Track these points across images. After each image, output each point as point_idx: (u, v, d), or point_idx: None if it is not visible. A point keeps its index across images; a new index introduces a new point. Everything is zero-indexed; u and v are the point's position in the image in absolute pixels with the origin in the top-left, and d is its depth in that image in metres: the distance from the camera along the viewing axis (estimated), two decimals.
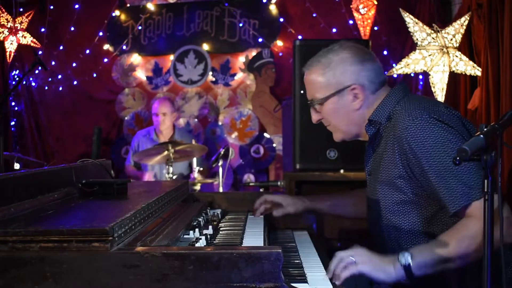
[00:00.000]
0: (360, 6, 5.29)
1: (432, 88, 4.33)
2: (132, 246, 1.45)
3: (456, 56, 4.23)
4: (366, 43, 3.71)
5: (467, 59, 4.26)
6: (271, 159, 6.00)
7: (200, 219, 2.21)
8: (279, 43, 5.91)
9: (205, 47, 6.02)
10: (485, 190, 1.48)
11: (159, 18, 6.09)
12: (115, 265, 1.33)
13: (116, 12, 6.13)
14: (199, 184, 4.73)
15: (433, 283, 1.96)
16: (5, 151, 4.93)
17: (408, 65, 4.30)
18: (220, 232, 2.19)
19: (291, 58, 3.80)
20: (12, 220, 1.47)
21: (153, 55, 6.17)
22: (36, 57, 4.50)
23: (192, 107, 6.11)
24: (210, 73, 6.03)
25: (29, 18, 5.93)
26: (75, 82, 6.23)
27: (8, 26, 5.84)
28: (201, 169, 4.86)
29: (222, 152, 4.45)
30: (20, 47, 5.99)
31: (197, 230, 2.01)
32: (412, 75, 5.10)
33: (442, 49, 4.23)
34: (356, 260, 1.77)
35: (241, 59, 6.02)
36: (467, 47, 4.49)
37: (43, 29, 6.15)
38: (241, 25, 5.95)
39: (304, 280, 1.70)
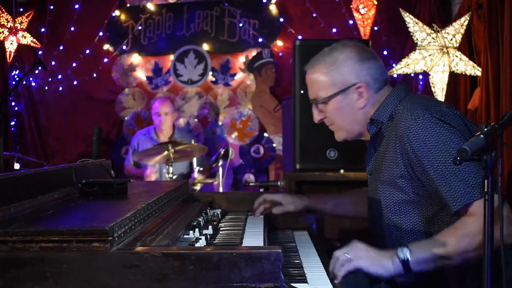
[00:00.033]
0: (360, 6, 5.29)
1: (432, 88, 4.33)
2: (132, 246, 1.45)
3: (456, 56, 4.23)
4: (366, 43, 3.71)
5: (467, 59, 4.26)
6: (271, 159, 6.00)
7: (200, 219, 2.21)
8: (279, 43, 5.91)
9: (205, 47, 6.02)
10: (485, 190, 1.48)
11: (159, 18, 6.09)
12: (115, 265, 1.33)
13: (116, 12, 6.13)
14: (199, 184, 4.73)
15: (433, 283, 1.96)
16: (5, 151, 4.93)
17: (408, 65, 4.30)
18: (220, 232, 2.19)
19: (291, 58, 3.80)
20: (12, 220, 1.47)
21: (153, 55, 6.17)
22: (36, 57, 4.49)
23: (192, 107, 6.11)
24: (210, 73, 6.03)
25: (29, 18, 5.93)
26: (75, 82, 6.23)
27: (8, 26, 5.84)
28: (201, 169, 4.86)
29: (222, 152, 4.45)
30: (20, 47, 5.99)
31: (197, 230, 2.01)
32: (412, 75, 5.10)
33: (442, 49, 4.23)
34: (351, 256, 1.77)
35: (241, 59, 6.02)
36: (467, 47, 4.49)
37: (43, 29, 6.15)
38: (241, 25, 5.95)
39: (304, 280, 1.70)
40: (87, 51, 6.13)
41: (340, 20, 5.61)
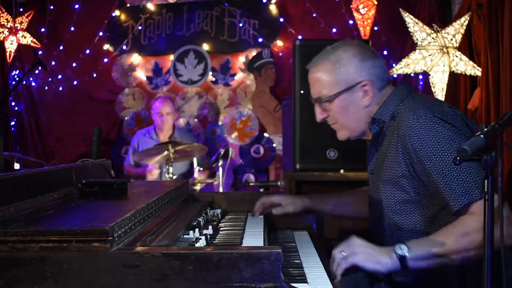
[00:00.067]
0: (360, 6, 5.29)
1: (432, 88, 4.33)
2: (132, 246, 1.45)
3: (456, 56, 4.23)
4: (366, 43, 3.70)
5: (467, 59, 4.26)
6: (271, 159, 6.00)
7: (200, 219, 2.21)
8: (279, 43, 5.91)
9: (205, 47, 6.02)
10: (485, 190, 1.48)
11: (159, 18, 6.09)
12: (115, 265, 1.33)
13: (116, 12, 6.13)
14: (199, 184, 4.73)
15: (433, 283, 1.96)
16: (5, 151, 4.93)
17: (408, 65, 4.30)
18: (220, 232, 2.19)
19: (291, 58, 3.80)
20: (12, 220, 1.47)
21: (153, 55, 6.17)
22: (36, 57, 4.49)
23: (192, 107, 6.11)
24: (210, 73, 6.03)
25: (29, 18, 5.94)
26: (75, 82, 6.23)
27: (8, 26, 5.84)
28: (201, 169, 4.85)
29: (222, 152, 4.45)
30: (20, 47, 5.99)
31: (197, 230, 2.01)
32: (412, 75, 5.10)
33: (442, 49, 4.23)
34: (347, 252, 1.77)
35: (241, 59, 6.02)
36: (467, 47, 4.49)
37: (43, 29, 6.15)
38: (241, 25, 5.95)
39: (304, 280, 1.70)
40: (87, 51, 6.13)
41: (340, 20, 5.61)
